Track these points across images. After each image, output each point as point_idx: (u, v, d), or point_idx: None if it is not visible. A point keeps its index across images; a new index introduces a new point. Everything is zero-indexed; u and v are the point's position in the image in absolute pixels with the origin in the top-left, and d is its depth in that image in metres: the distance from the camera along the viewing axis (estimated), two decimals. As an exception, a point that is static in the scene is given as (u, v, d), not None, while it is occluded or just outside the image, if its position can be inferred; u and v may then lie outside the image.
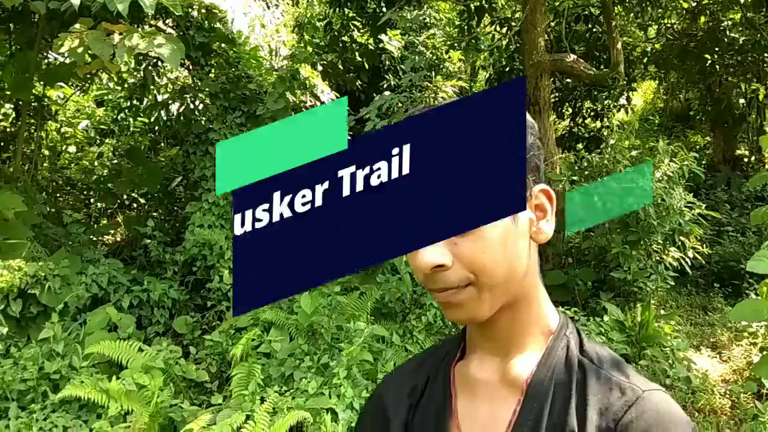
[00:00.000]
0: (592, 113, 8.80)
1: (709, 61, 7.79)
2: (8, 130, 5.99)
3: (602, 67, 7.90)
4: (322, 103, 6.54)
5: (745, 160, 10.30)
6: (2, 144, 6.11)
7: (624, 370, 0.74)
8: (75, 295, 4.11)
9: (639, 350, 4.69)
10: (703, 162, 9.38)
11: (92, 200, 6.67)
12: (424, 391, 0.83)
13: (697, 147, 10.21)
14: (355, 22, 8.81)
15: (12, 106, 6.07)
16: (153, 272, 5.37)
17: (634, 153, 6.01)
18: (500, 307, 0.72)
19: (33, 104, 5.90)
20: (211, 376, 4.11)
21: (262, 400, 3.40)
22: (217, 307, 5.09)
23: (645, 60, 8.49)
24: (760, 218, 3.03)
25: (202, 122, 6.14)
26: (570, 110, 9.15)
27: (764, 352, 3.96)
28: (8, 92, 5.66)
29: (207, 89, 6.11)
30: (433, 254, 0.66)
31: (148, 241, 5.28)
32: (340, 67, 8.45)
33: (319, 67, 7.76)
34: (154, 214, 6.09)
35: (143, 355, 3.80)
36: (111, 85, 7.27)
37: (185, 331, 4.81)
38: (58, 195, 6.94)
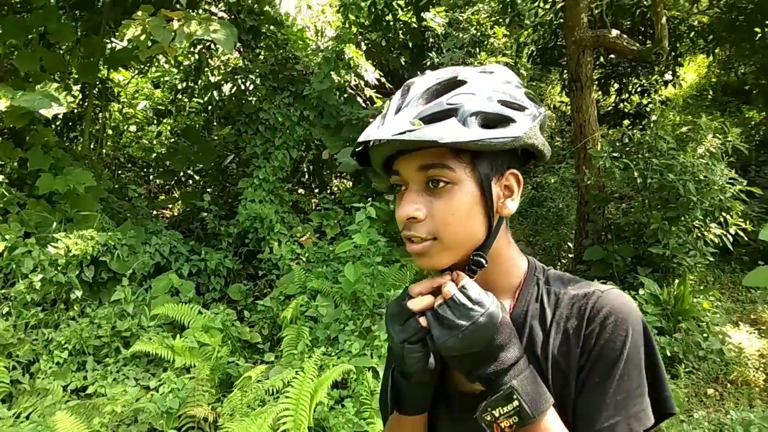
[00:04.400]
0: (639, 89, 8.70)
1: (759, 35, 7.57)
2: (75, 111, 6.44)
3: (648, 42, 7.80)
4: (366, 82, 6.75)
5: (801, 136, 9.95)
6: (71, 124, 6.58)
7: (585, 283, 0.90)
8: (141, 262, 4.49)
9: (674, 324, 4.77)
10: (756, 139, 9.14)
11: (151, 177, 7.10)
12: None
13: (752, 122, 9.94)
14: (399, 1, 8.92)
15: (79, 88, 6.51)
16: (209, 243, 5.76)
17: (683, 129, 5.99)
18: None
19: (98, 86, 6.32)
20: (263, 338, 4.44)
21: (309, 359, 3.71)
22: (268, 276, 5.43)
23: (692, 34, 8.31)
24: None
25: (253, 102, 6.45)
26: (616, 86, 9.05)
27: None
28: (76, 75, 6.08)
29: (257, 71, 6.40)
30: (410, 207, 0.82)
31: (205, 214, 5.65)
32: (384, 45, 8.60)
33: (363, 47, 7.94)
34: (209, 189, 6.46)
35: (203, 317, 4.16)
36: (167, 67, 7.66)
37: (239, 298, 5.18)
38: (119, 172, 7.42)
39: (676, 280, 5.31)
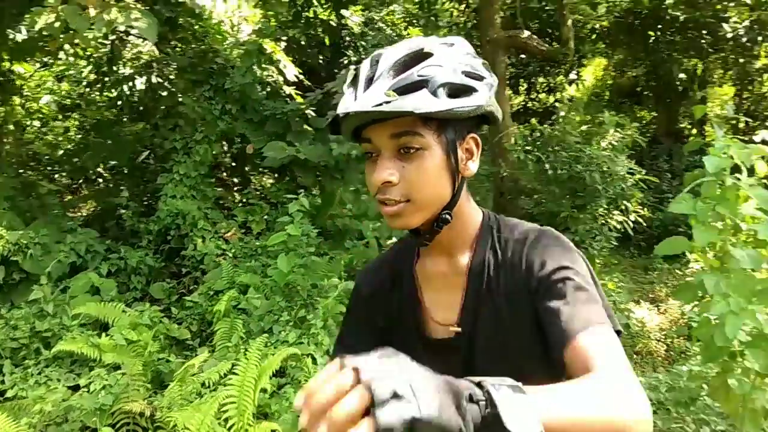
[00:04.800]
0: (545, 88, 9.23)
1: (653, 38, 8.27)
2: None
3: (554, 43, 8.30)
4: (286, 79, 6.74)
5: (686, 132, 10.95)
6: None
7: (530, 227, 1.00)
8: (58, 261, 4.27)
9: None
10: (648, 135, 9.97)
11: (59, 174, 6.71)
12: (393, 288, 1.08)
13: (643, 121, 10.82)
14: (318, -2, 8.93)
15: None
16: (127, 242, 5.53)
17: (584, 127, 6.44)
18: None
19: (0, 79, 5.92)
20: (192, 334, 4.36)
21: (245, 351, 3.69)
22: (192, 274, 5.31)
23: (593, 36, 8.94)
24: (692, 179, 3.44)
25: (171, 96, 6.26)
26: (525, 85, 9.55)
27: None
28: (-27, 66, 5.66)
29: (175, 63, 6.22)
30: (385, 172, 0.88)
31: (123, 211, 5.43)
32: (303, 42, 8.59)
33: (282, 44, 7.90)
34: (122, 187, 6.19)
35: (127, 315, 4.02)
36: (72, 60, 7.26)
37: (162, 296, 5.02)
38: (21, 170, 6.95)
39: (586, 264, 5.71)
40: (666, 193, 8.38)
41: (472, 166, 0.95)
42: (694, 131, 10.78)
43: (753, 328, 2.30)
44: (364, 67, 0.92)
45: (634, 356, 4.60)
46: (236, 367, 3.36)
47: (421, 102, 0.83)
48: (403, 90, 0.85)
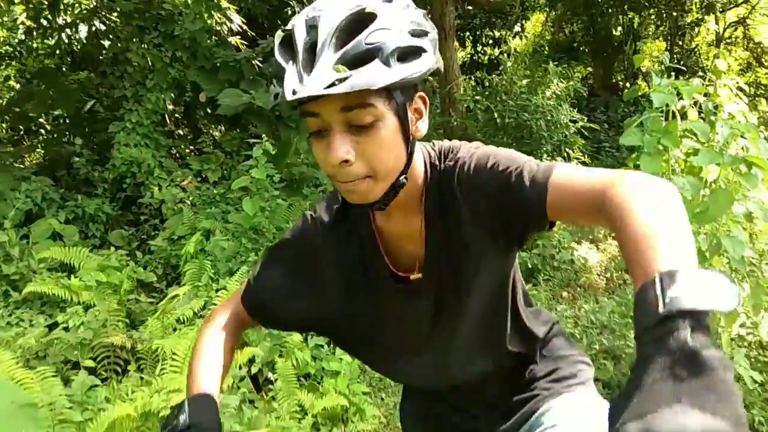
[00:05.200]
0: (491, 41, 9.44)
1: (593, -7, 8.60)
2: None
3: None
4: (231, 29, 6.67)
5: (621, 85, 11.49)
6: None
7: (458, 150, 0.97)
8: (17, 208, 4.21)
9: (532, 242, 5.51)
10: (586, 89, 10.42)
11: (1, 124, 6.46)
12: (348, 244, 1.04)
13: (580, 77, 11.28)
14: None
15: None
16: (80, 191, 5.45)
17: (526, 81, 6.72)
18: None
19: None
20: (158, 277, 4.42)
21: (216, 291, 3.81)
22: (151, 221, 5.31)
23: (537, -10, 9.19)
24: (631, 124, 3.75)
25: (118, 43, 6.09)
26: (471, 38, 9.73)
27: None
28: None
29: (119, 8, 6.03)
30: (340, 151, 0.81)
31: (77, 159, 5.33)
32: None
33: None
34: (75, 136, 6.03)
35: (93, 259, 4.04)
36: (2, 6, 6.87)
37: (122, 243, 5.02)
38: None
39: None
40: (603, 142, 8.85)
41: (423, 127, 0.91)
42: (629, 85, 11.32)
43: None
44: (300, 33, 0.82)
45: (578, 288, 5.00)
46: (212, 301, 3.50)
47: (376, 75, 0.78)
48: (353, 62, 0.78)
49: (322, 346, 3.41)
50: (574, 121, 6.31)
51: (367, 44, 0.78)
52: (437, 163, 0.97)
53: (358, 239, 1.03)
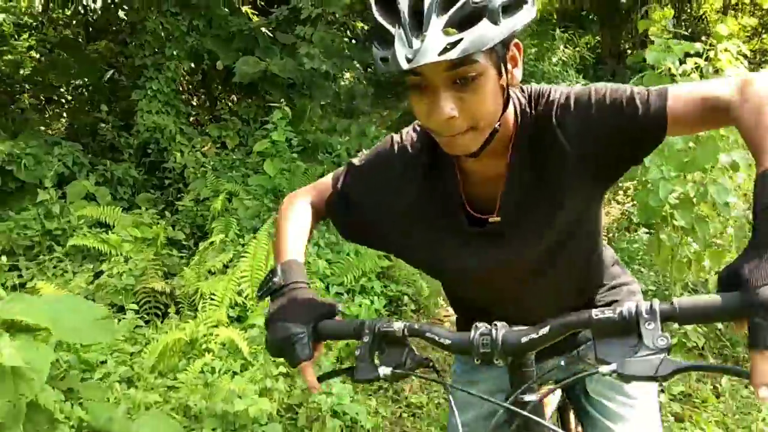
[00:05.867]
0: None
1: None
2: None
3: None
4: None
5: (629, 53, 11.56)
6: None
7: (557, 89, 0.98)
8: (55, 170, 4.48)
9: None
10: (593, 57, 10.52)
11: (25, 93, 6.69)
12: (427, 178, 1.05)
13: (588, 46, 11.36)
14: None
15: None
16: (106, 156, 5.71)
17: (534, 50, 6.87)
18: None
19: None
20: (186, 236, 4.71)
21: (243, 246, 4.08)
22: (175, 185, 5.59)
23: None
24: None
25: (135, 12, 6.28)
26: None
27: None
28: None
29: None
30: (447, 109, 0.83)
31: (103, 125, 5.58)
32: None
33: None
34: (101, 103, 6.25)
35: (126, 217, 4.33)
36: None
37: (148, 206, 5.31)
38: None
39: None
40: (609, 109, 8.99)
41: (518, 74, 0.92)
42: (636, 52, 11.38)
43: (681, 194, 2.87)
44: None
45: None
46: (243, 253, 3.77)
47: (486, 35, 0.78)
48: (462, 23, 0.78)
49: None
50: (581, 87, 6.47)
51: (473, 3, 0.78)
52: (528, 108, 0.99)
53: (441, 175, 1.04)
